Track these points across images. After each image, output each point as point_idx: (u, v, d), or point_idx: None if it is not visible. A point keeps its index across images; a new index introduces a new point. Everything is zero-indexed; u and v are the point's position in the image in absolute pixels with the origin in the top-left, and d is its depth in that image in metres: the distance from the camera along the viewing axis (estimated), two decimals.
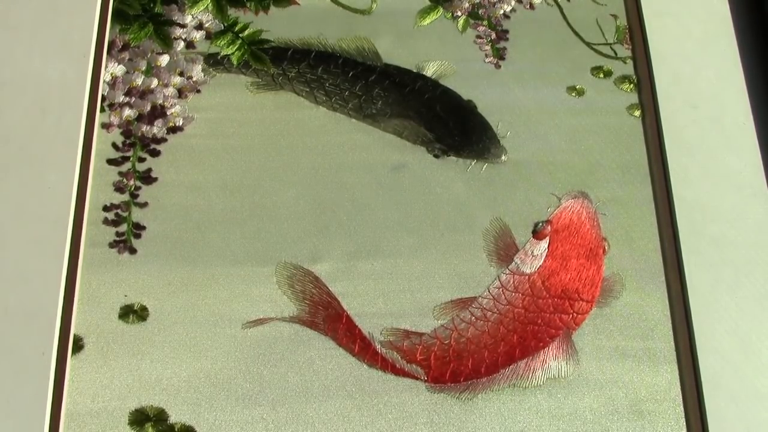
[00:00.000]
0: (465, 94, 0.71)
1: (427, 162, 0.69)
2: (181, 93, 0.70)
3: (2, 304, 0.60)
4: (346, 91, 0.71)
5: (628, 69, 0.73)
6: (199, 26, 0.73)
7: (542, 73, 0.72)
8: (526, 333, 0.63)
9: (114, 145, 0.68)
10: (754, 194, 0.67)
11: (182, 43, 0.72)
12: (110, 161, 0.67)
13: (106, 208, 0.65)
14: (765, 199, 0.67)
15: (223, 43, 0.72)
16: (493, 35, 0.74)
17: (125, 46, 0.71)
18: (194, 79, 0.71)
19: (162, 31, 0.72)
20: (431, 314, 0.63)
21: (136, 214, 0.65)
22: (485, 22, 0.75)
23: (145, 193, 0.66)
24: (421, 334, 0.62)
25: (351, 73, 0.71)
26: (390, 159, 0.69)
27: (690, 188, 0.67)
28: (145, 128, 0.68)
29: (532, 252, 0.65)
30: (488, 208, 0.67)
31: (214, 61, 0.72)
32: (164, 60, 0.71)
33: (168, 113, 0.69)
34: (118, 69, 0.70)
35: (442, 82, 0.71)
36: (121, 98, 0.69)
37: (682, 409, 0.61)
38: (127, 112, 0.69)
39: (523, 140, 0.70)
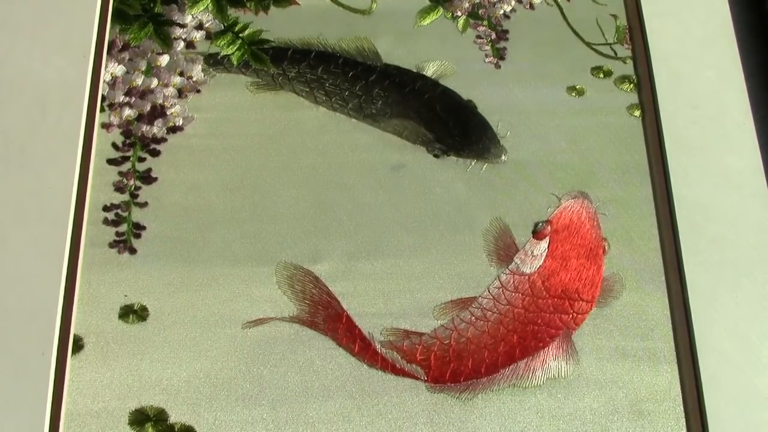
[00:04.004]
0: (465, 94, 0.71)
1: (427, 162, 0.69)
2: (181, 93, 0.70)
3: (2, 304, 0.60)
4: (346, 91, 0.71)
5: (628, 69, 0.73)
6: (199, 26, 0.73)
7: (542, 73, 0.72)
8: (526, 333, 0.63)
9: (114, 145, 0.68)
10: (754, 194, 0.67)
11: (182, 43, 0.72)
12: (110, 161, 0.67)
13: (106, 208, 0.65)
14: (765, 199, 0.67)
15: (223, 43, 0.72)
16: (493, 35, 0.74)
17: (125, 46, 0.71)
18: (194, 79, 0.71)
19: (162, 31, 0.72)
20: (431, 314, 0.63)
21: (136, 214, 0.65)
22: (485, 22, 0.75)
23: (145, 193, 0.66)
24: (421, 334, 0.62)
25: (351, 73, 0.71)
26: (390, 159, 0.69)
27: (690, 188, 0.67)
28: (145, 128, 0.68)
29: (532, 252, 0.65)
30: (488, 208, 0.67)
31: (214, 61, 0.72)
32: (164, 60, 0.71)
33: (168, 113, 0.69)
34: (118, 69, 0.70)
35: (442, 82, 0.71)
36: (121, 98, 0.69)
37: (682, 409, 0.61)
38: (127, 112, 0.69)
39: (523, 140, 0.70)
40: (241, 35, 0.73)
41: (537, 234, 0.66)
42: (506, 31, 0.74)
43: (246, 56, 0.72)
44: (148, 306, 0.62)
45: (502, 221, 0.66)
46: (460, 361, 0.62)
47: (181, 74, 0.71)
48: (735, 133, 0.69)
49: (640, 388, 0.61)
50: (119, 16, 0.72)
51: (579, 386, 0.61)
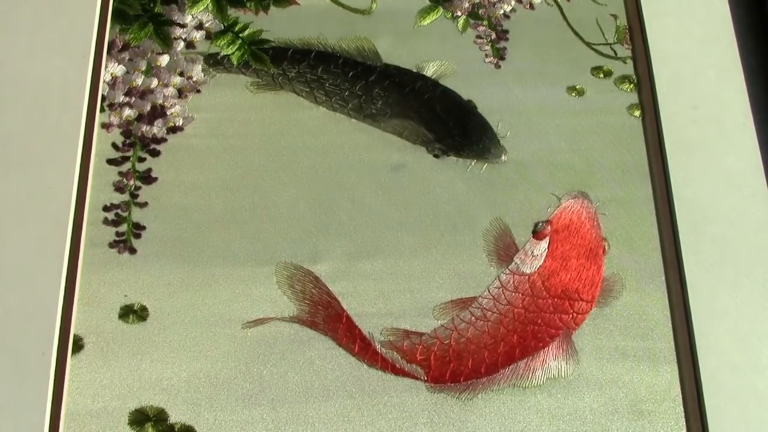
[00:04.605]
0: (465, 94, 0.71)
1: (427, 162, 0.69)
2: (181, 93, 0.70)
3: (2, 304, 0.60)
4: (346, 91, 0.71)
5: (628, 69, 0.73)
6: (199, 26, 0.73)
7: (542, 73, 0.72)
8: (526, 333, 0.63)
9: (114, 145, 0.68)
10: (754, 194, 0.67)
11: (182, 43, 0.72)
12: (110, 161, 0.67)
13: (106, 208, 0.65)
14: (765, 199, 0.67)
15: (223, 43, 0.72)
16: (493, 35, 0.74)
17: (125, 46, 0.71)
18: (194, 79, 0.71)
19: (162, 31, 0.72)
20: (431, 314, 0.63)
21: (136, 214, 0.65)
22: (485, 22, 0.75)
23: (145, 193, 0.66)
24: (421, 334, 0.62)
25: (351, 73, 0.71)
26: (390, 159, 0.69)
27: (690, 188, 0.67)
28: (145, 128, 0.68)
29: (532, 252, 0.65)
30: (488, 208, 0.67)
31: (214, 61, 0.72)
32: (164, 60, 0.71)
33: (168, 113, 0.69)
34: (118, 69, 0.70)
35: (442, 82, 0.71)
36: (121, 98, 0.69)
37: (682, 409, 0.61)
38: (127, 112, 0.69)
39: (523, 140, 0.70)
40: (241, 35, 0.73)
41: (537, 234, 0.66)
42: (506, 31, 0.74)
43: (246, 56, 0.72)
44: (148, 306, 0.62)
45: (502, 221, 0.66)
46: (460, 361, 0.62)
47: (181, 74, 0.71)
48: (735, 133, 0.69)
49: (640, 388, 0.61)
50: (119, 16, 0.72)
51: (579, 386, 0.61)
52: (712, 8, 0.75)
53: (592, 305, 0.64)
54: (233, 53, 0.72)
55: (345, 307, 0.63)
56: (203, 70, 0.71)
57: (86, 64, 0.69)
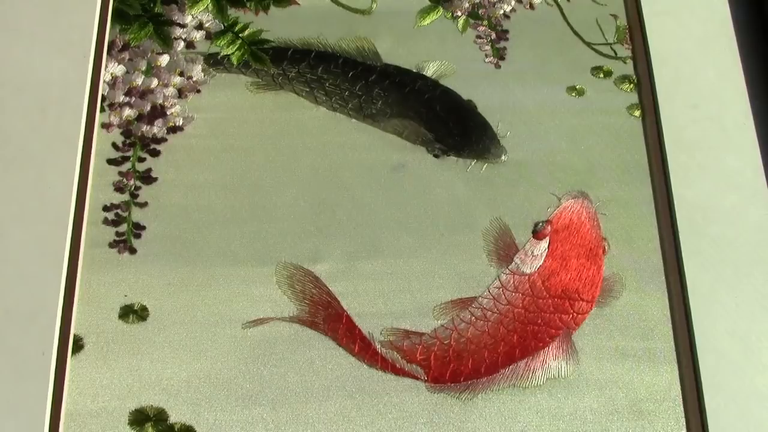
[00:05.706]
0: (465, 94, 0.71)
1: (427, 162, 0.69)
2: (181, 93, 0.70)
3: (2, 304, 0.60)
4: (346, 91, 0.71)
5: (628, 69, 0.73)
6: (199, 26, 0.73)
7: (542, 73, 0.73)
8: (526, 333, 0.63)
9: (114, 145, 0.68)
10: (754, 194, 0.67)
11: (182, 43, 0.72)
12: (110, 161, 0.67)
13: (106, 208, 0.65)
14: (765, 199, 0.67)
15: (223, 43, 0.73)
16: (493, 35, 0.74)
17: (125, 46, 0.71)
18: (194, 79, 0.71)
19: (162, 31, 0.72)
20: (431, 314, 0.63)
21: (136, 214, 0.65)
22: (485, 22, 0.75)
23: (145, 193, 0.66)
24: (421, 334, 0.62)
25: (351, 73, 0.71)
26: (390, 159, 0.69)
27: (690, 188, 0.67)
28: (145, 128, 0.68)
29: (532, 252, 0.65)
30: (488, 208, 0.67)
31: (214, 61, 0.72)
32: (164, 60, 0.71)
33: (168, 113, 0.69)
34: (118, 69, 0.70)
35: (442, 82, 0.71)
36: (121, 98, 0.69)
37: (682, 409, 0.61)
38: (127, 112, 0.69)
39: (523, 140, 0.70)
40: (241, 35, 0.73)
41: (537, 234, 0.66)
42: (506, 31, 0.74)
43: (246, 56, 0.72)
44: (148, 306, 0.62)
45: (502, 221, 0.66)
46: (460, 361, 0.62)
47: (181, 74, 0.71)
48: (735, 133, 0.69)
49: (640, 388, 0.61)
50: (119, 16, 0.72)
51: (579, 386, 0.61)
52: (712, 8, 0.75)
53: (592, 305, 0.64)
54: (233, 53, 0.72)
55: (345, 307, 0.63)
56: (203, 70, 0.71)
57: (86, 64, 0.69)
